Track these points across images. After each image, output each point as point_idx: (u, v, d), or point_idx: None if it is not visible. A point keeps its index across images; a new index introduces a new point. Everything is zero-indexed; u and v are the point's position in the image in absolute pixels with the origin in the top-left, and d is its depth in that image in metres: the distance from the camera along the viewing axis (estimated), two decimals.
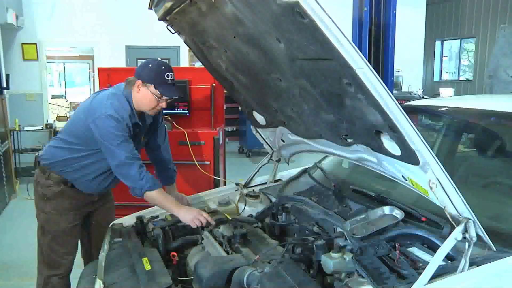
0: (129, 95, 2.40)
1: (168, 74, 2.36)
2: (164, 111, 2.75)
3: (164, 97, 2.38)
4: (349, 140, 1.85)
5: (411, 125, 1.35)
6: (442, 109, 2.73)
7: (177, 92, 2.44)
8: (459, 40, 13.31)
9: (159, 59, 2.47)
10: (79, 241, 2.72)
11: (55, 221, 2.52)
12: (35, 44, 8.48)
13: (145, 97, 2.38)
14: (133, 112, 2.39)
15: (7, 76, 6.50)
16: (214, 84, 4.02)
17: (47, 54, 9.29)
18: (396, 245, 1.62)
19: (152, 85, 2.35)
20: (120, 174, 2.34)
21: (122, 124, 2.29)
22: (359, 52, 1.28)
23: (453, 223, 1.45)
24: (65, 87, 17.83)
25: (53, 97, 12.66)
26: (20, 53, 8.44)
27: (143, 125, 2.53)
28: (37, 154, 2.66)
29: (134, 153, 2.32)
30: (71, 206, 2.54)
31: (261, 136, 2.77)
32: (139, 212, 2.56)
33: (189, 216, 2.27)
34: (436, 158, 1.38)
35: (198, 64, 7.86)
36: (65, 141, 2.49)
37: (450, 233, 1.44)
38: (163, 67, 2.37)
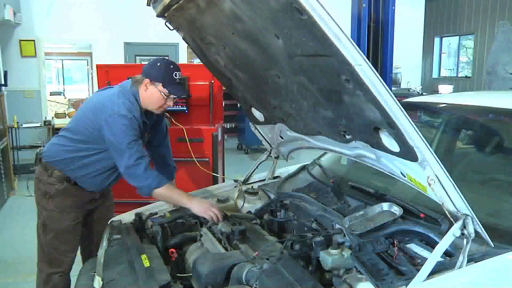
0: (136, 93, 2.41)
1: (176, 73, 2.39)
2: None
3: (171, 96, 2.40)
4: (347, 136, 1.85)
5: (410, 122, 1.35)
6: (441, 105, 2.73)
7: (185, 91, 2.46)
8: (458, 36, 13.29)
9: (167, 58, 2.49)
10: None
11: (58, 219, 2.51)
12: (33, 40, 8.46)
13: (152, 95, 2.39)
14: (141, 111, 2.41)
15: (5, 73, 6.49)
16: (212, 81, 4.02)
17: (45, 50, 9.28)
18: (395, 242, 1.63)
19: (161, 83, 2.37)
20: (128, 175, 2.35)
21: (134, 124, 2.31)
22: (358, 48, 1.28)
23: (451, 219, 1.45)
24: (64, 84, 17.79)
25: (52, 94, 12.66)
26: (18, 50, 8.41)
27: (149, 123, 2.54)
28: (38, 151, 2.65)
29: (142, 152, 2.34)
30: (74, 204, 2.54)
31: (260, 133, 2.77)
32: (138, 209, 2.56)
33: (201, 208, 2.30)
34: (434, 154, 1.38)
35: (196, 61, 7.85)
36: (70, 139, 2.48)
37: (448, 229, 1.44)
38: (172, 66, 2.40)
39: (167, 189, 2.37)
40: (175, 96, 2.43)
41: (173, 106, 2.56)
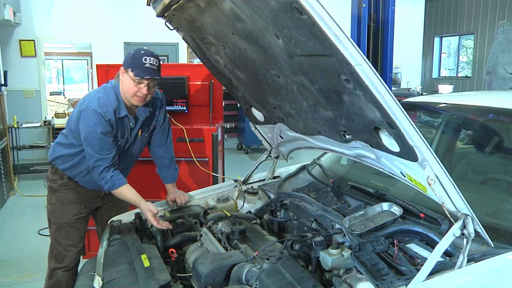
0: (117, 87, 2.41)
1: (146, 58, 2.29)
2: None
3: (137, 79, 2.29)
4: (347, 136, 1.85)
5: (410, 122, 1.35)
6: (441, 105, 2.73)
7: (154, 73, 2.31)
8: (458, 36, 13.30)
9: (145, 48, 2.44)
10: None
11: (59, 212, 2.58)
12: (33, 40, 8.46)
13: (125, 83, 2.35)
14: (120, 105, 2.39)
15: (5, 73, 6.50)
16: (212, 81, 4.01)
17: (45, 50, 9.27)
18: (395, 242, 1.63)
19: (130, 68, 2.31)
20: (91, 172, 2.43)
21: (103, 120, 2.31)
22: (358, 48, 1.28)
23: (452, 219, 1.45)
24: (64, 84, 17.80)
25: (52, 94, 12.67)
26: (18, 50, 8.41)
27: (136, 119, 2.50)
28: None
29: (104, 152, 2.34)
30: (75, 198, 2.59)
31: (260, 133, 2.77)
32: (138, 209, 2.55)
33: (144, 210, 2.33)
34: (434, 154, 1.38)
35: (196, 61, 7.85)
36: (64, 136, 2.55)
37: (448, 229, 1.44)
38: (142, 52, 2.33)
39: (121, 191, 2.40)
40: (140, 78, 2.28)
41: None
